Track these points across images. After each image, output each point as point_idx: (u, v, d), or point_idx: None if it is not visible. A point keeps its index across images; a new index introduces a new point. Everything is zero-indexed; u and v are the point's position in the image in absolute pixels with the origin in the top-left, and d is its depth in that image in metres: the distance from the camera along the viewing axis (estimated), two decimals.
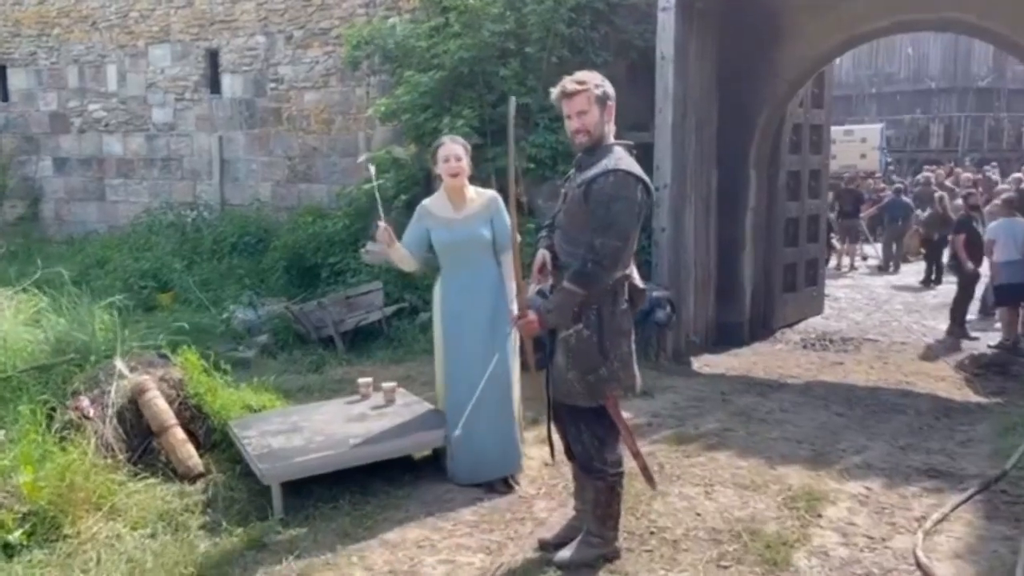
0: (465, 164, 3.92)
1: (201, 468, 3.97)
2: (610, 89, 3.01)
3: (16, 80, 12.23)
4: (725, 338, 8.74)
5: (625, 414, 5.25)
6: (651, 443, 4.52)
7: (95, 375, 4.23)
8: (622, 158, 2.94)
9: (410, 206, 8.46)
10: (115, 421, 3.97)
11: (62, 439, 3.80)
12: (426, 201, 4.02)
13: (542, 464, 4.09)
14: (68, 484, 3.40)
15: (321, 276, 8.15)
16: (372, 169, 3.89)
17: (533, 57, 7.47)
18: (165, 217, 10.27)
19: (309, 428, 4.04)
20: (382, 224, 3.80)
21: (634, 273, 3.08)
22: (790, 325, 9.53)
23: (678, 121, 7.58)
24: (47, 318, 5.58)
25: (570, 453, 3.22)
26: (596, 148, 2.97)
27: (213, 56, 10.72)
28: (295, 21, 10.11)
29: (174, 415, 4.10)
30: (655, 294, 7.03)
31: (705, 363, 7.84)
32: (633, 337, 3.11)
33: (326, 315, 7.00)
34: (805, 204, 9.72)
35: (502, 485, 3.89)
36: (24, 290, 6.41)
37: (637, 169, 2.93)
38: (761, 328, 9.22)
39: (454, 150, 3.89)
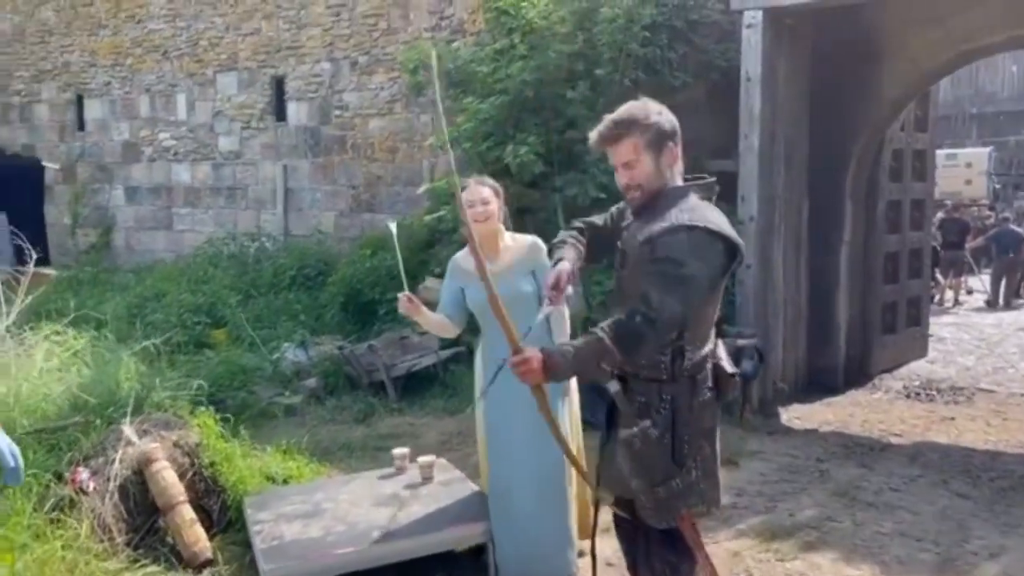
0: (495, 208, 3.33)
1: (208, 554, 3.47)
2: (668, 123, 2.32)
3: (92, 110, 12.31)
4: (817, 384, 7.91)
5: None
6: (736, 535, 3.82)
7: (104, 439, 3.79)
8: (697, 207, 2.27)
9: None
10: (116, 496, 3.52)
11: (55, 519, 3.35)
12: (457, 255, 3.45)
13: (603, 564, 3.43)
14: None
15: (378, 313, 7.68)
16: (393, 229, 3.31)
17: (604, 79, 6.88)
18: (227, 248, 10.02)
19: (331, 512, 3.50)
20: (403, 296, 3.22)
21: (721, 351, 2.41)
22: (890, 370, 8.59)
23: (765, 147, 6.87)
24: (78, 365, 5.24)
25: (634, 571, 2.57)
26: (659, 195, 2.32)
27: (279, 83, 10.49)
28: (360, 47, 9.78)
29: (184, 489, 3.63)
30: (740, 342, 6.28)
31: (795, 415, 7.03)
32: (718, 435, 2.43)
33: (376, 359, 6.50)
34: (907, 237, 8.79)
35: None
36: (64, 329, 6.11)
37: (719, 222, 2.25)
38: (858, 373, 8.33)
39: (480, 193, 3.30)
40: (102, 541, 3.36)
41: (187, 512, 3.54)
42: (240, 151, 10.89)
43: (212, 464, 3.82)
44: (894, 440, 5.98)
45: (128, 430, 3.74)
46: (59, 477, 3.61)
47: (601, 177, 6.75)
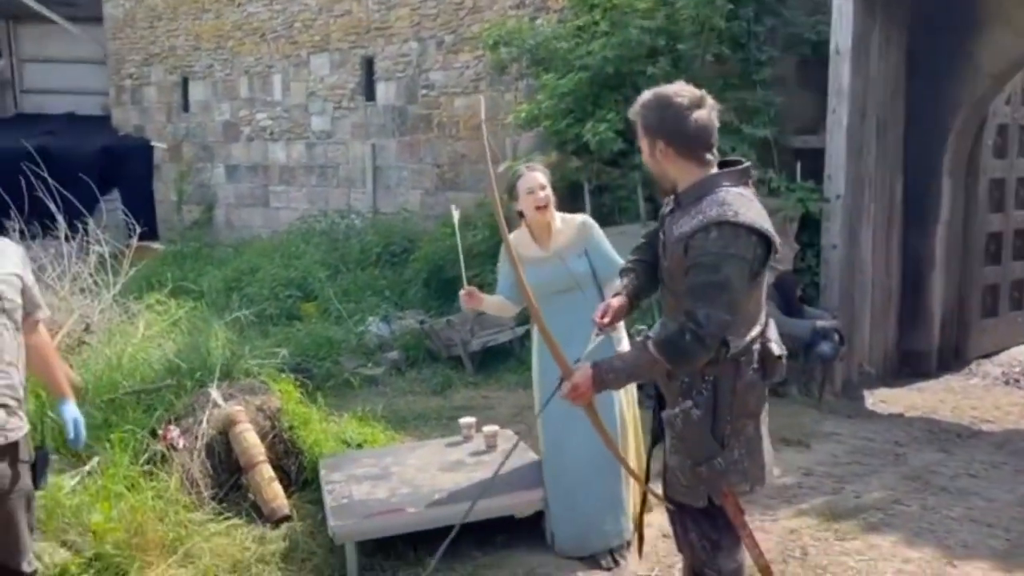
0: (550, 193, 3.38)
1: (286, 511, 3.69)
2: (667, 120, 2.25)
3: (195, 92, 12.89)
4: (909, 369, 7.66)
5: (773, 469, 4.57)
6: (796, 515, 3.80)
7: (193, 401, 4.06)
8: (727, 201, 2.21)
9: None
10: (203, 454, 3.77)
11: (148, 472, 3.63)
12: (510, 236, 3.51)
13: (659, 535, 3.48)
14: (137, 527, 3.18)
15: (459, 290, 7.83)
16: (455, 217, 3.40)
17: (686, 55, 6.80)
18: (319, 225, 10.38)
19: (398, 475, 3.66)
20: (463, 292, 3.34)
21: (771, 332, 2.41)
22: (989, 356, 8.20)
23: (854, 123, 6.66)
24: (175, 333, 5.58)
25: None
26: (687, 185, 2.30)
27: (369, 63, 10.75)
28: (447, 26, 9.91)
29: (265, 450, 3.86)
30: (820, 323, 6.18)
31: (881, 399, 6.84)
32: (765, 416, 2.43)
33: (454, 333, 6.67)
34: (1011, 216, 8.36)
35: (608, 559, 3.33)
36: (166, 299, 6.49)
37: (750, 214, 2.21)
38: (953, 358, 8.00)
39: (537, 179, 3.36)
40: (190, 494, 3.62)
41: (267, 471, 3.77)
42: (331, 131, 11.23)
43: (291, 427, 4.05)
44: (984, 427, 5.76)
45: (215, 393, 4.00)
46: (153, 434, 3.89)
47: None
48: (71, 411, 2.68)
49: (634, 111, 2.32)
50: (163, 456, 3.74)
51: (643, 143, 2.31)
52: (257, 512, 3.70)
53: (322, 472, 3.77)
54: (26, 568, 2.48)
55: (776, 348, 2.36)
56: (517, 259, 2.46)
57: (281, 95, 11.73)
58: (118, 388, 4.26)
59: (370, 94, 10.77)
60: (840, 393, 6.72)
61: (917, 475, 4.39)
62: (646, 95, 2.33)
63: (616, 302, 2.47)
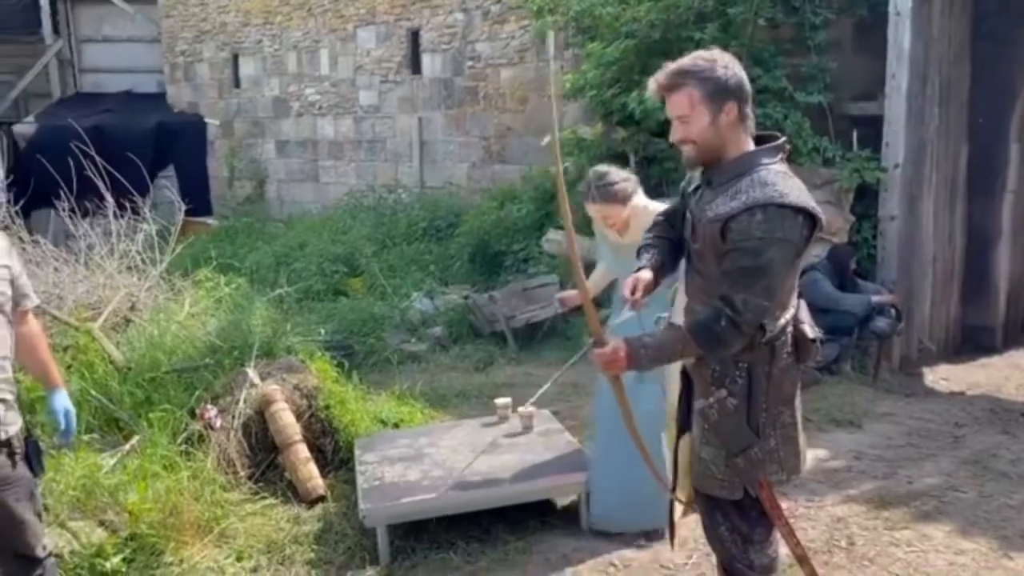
0: (624, 213, 3.23)
1: (321, 491, 3.68)
2: (733, 78, 2.12)
3: (246, 67, 12.97)
4: (972, 345, 7.36)
5: (820, 451, 4.43)
6: (844, 501, 3.64)
7: (232, 380, 4.07)
8: (770, 179, 2.07)
9: None
10: (240, 434, 3.79)
11: (186, 451, 3.66)
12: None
13: (698, 522, 3.37)
14: (173, 507, 3.21)
15: (504, 264, 7.78)
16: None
17: (736, 19, 6.54)
18: (366, 200, 10.39)
19: (432, 456, 3.62)
20: (556, 299, 3.34)
21: (803, 314, 2.27)
22: None
23: (915, 88, 6.34)
24: (222, 310, 5.62)
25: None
26: (721, 160, 2.16)
27: (414, 36, 10.64)
28: None
29: (300, 430, 3.85)
30: (876, 298, 5.95)
31: (942, 376, 6.59)
32: (798, 401, 2.30)
33: (497, 309, 6.60)
34: None
35: (641, 540, 3.24)
36: (214, 275, 6.55)
37: (795, 193, 2.07)
38: (1020, 333, 7.67)
39: (602, 212, 3.24)
40: (226, 474, 3.64)
41: (302, 451, 3.77)
42: (379, 105, 11.19)
43: (327, 407, 4.04)
44: None
45: (252, 373, 4.00)
46: (192, 414, 3.92)
47: None
48: (62, 401, 2.64)
49: (702, 72, 2.11)
50: (200, 436, 3.76)
51: (699, 110, 2.10)
52: (293, 492, 3.71)
53: (356, 452, 3.75)
54: (41, 553, 2.51)
55: (809, 330, 2.23)
56: (570, 224, 2.32)
57: (329, 69, 11.72)
58: (160, 366, 4.30)
59: (416, 67, 10.68)
60: (898, 370, 6.48)
61: (976, 459, 4.19)
62: (699, 57, 2.16)
63: (645, 275, 2.35)
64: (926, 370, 6.63)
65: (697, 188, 2.28)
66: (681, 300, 2.37)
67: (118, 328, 4.93)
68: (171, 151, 13.63)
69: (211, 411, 3.81)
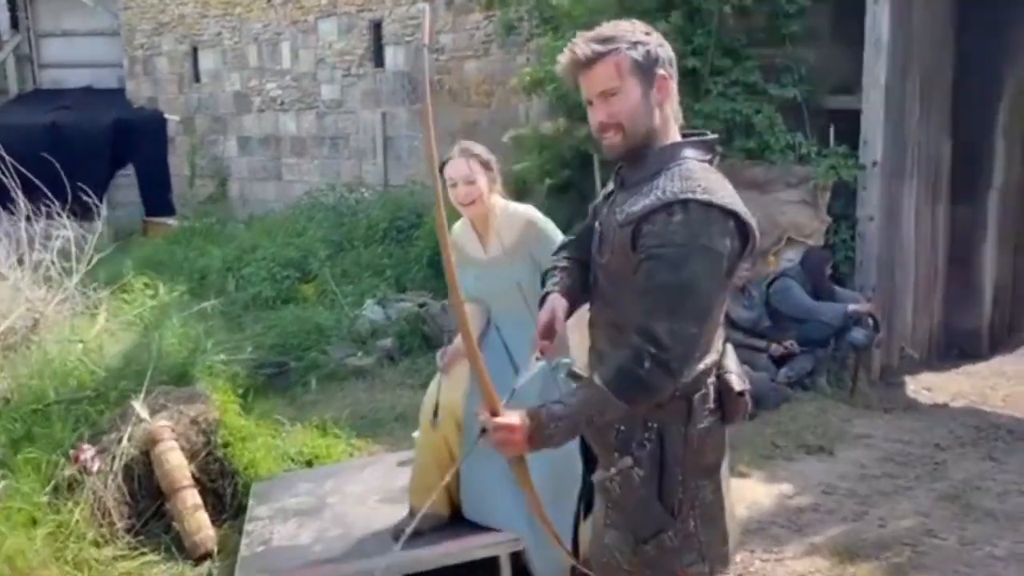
0: (483, 185, 2.80)
1: (210, 546, 3.23)
2: (660, 48, 1.73)
3: (205, 61, 12.46)
4: (956, 350, 6.97)
5: (785, 486, 3.97)
6: (807, 551, 3.20)
7: (118, 415, 3.61)
8: (695, 173, 1.67)
9: (559, 191, 7.43)
10: (120, 477, 3.32)
11: (52, 501, 3.19)
12: (455, 227, 2.96)
13: None
14: (23, 572, 2.75)
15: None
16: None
17: (702, 7, 6.10)
18: (326, 199, 9.91)
19: (333, 508, 3.16)
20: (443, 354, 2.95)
21: (730, 361, 1.83)
22: None
23: (894, 80, 5.92)
24: (141, 325, 5.16)
25: None
26: (646, 151, 1.74)
27: (377, 27, 10.16)
28: None
29: (196, 471, 3.40)
30: (852, 307, 5.52)
31: (924, 386, 6.19)
32: (726, 470, 1.85)
33: (447, 320, 6.14)
34: None
35: None
36: (153, 283, 6.09)
37: (724, 193, 1.67)
38: (1006, 337, 7.28)
39: (461, 171, 2.77)
40: (101, 526, 3.18)
41: (191, 498, 3.31)
42: (341, 99, 10.70)
43: (226, 444, 3.58)
44: None
45: (139, 406, 3.53)
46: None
47: (695, 121, 6.01)
48: None
49: (627, 39, 1.69)
50: (74, 481, 3.29)
51: (629, 83, 1.68)
52: (180, 546, 3.25)
53: (250, 503, 3.30)
54: None
55: (737, 381, 1.78)
56: (451, 256, 1.82)
57: (290, 63, 11.23)
58: (45, 397, 3.83)
59: (379, 60, 10.20)
60: (878, 381, 6.08)
61: (957, 493, 3.76)
62: (618, 25, 1.74)
63: (560, 304, 1.86)
64: (908, 379, 6.24)
65: (610, 195, 1.84)
66: (578, 339, 1.93)
67: (14, 348, 4.45)
68: (130, 149, 13.14)
69: (87, 451, 3.34)
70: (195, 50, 12.55)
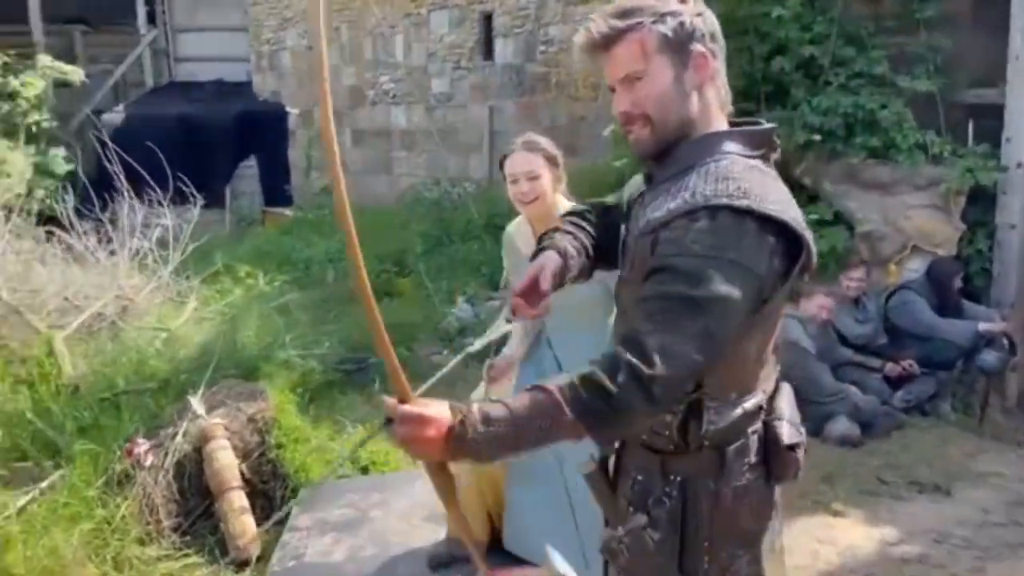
0: (546, 182, 2.52)
1: (253, 551, 3.11)
2: (698, 18, 1.40)
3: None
4: None
5: (888, 531, 3.47)
6: None
7: (179, 409, 3.55)
8: (731, 173, 1.34)
9: None
10: (171, 474, 3.25)
11: (102, 494, 3.15)
12: (510, 226, 2.70)
13: None
14: (58, 571, 2.70)
15: None
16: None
17: None
18: (430, 194, 9.85)
19: (375, 523, 2.98)
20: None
21: (784, 404, 1.48)
22: None
23: None
24: (226, 315, 5.18)
25: None
26: (678, 145, 1.41)
27: (487, 19, 10.02)
28: None
29: (245, 473, 3.30)
30: (984, 326, 4.91)
31: None
32: (772, 536, 1.50)
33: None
34: None
35: None
36: (254, 273, 6.16)
37: (767, 196, 1.32)
38: None
39: (523, 165, 2.51)
40: (147, 523, 3.12)
41: (237, 500, 3.21)
42: (451, 93, 10.64)
43: (280, 445, 3.46)
44: None
45: (195, 401, 3.46)
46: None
47: (810, 116, 5.51)
48: None
49: (654, 11, 1.38)
50: (127, 474, 3.25)
51: (657, 63, 1.38)
52: (224, 549, 3.15)
53: (294, 510, 3.16)
54: None
55: (788, 431, 1.44)
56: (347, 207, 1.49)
57: (403, 56, 11.25)
58: (115, 386, 3.84)
59: (488, 52, 10.06)
60: (1013, 409, 5.40)
61: None
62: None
63: (550, 263, 1.52)
64: None
65: (640, 198, 1.52)
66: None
67: (98, 335, 4.52)
68: (253, 140, 13.56)
69: (141, 445, 3.29)
70: None
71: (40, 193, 10.88)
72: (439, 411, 1.26)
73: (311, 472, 3.42)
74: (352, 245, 1.31)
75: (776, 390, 1.48)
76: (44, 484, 3.21)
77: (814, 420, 4.42)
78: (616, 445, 1.50)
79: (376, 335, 1.35)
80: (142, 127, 13.07)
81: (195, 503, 3.30)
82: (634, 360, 1.22)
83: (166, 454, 3.29)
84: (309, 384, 4.50)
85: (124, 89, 15.16)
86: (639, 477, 1.44)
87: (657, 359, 1.22)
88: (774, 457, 1.42)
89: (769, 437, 1.43)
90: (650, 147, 1.42)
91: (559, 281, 1.54)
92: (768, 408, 1.44)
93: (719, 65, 1.43)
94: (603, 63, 1.43)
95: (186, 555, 3.10)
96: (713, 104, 1.42)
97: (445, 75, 10.68)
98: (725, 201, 1.29)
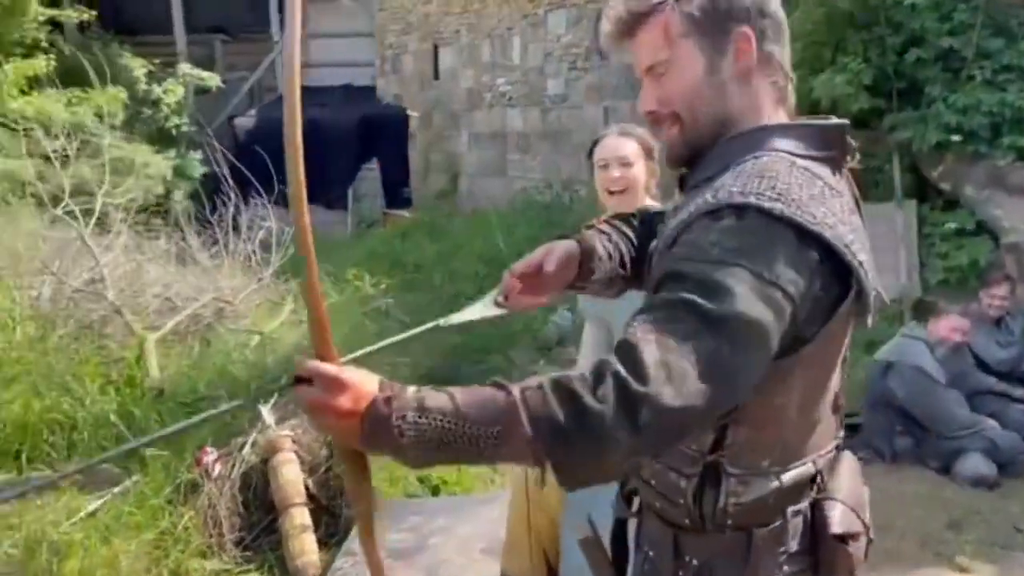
0: (638, 173, 2.26)
1: (311, 572, 2.98)
2: None
3: (445, 58, 12.76)
4: None
5: None
6: None
7: (252, 418, 3.50)
8: (773, 171, 1.06)
9: None
10: (237, 486, 3.19)
11: (167, 504, 3.12)
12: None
13: None
14: None
15: None
16: None
17: None
18: (542, 197, 9.68)
19: (431, 553, 2.80)
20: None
21: (839, 482, 1.16)
22: None
23: None
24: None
25: None
26: (714, 143, 1.14)
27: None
28: None
29: (307, 489, 3.18)
30: None
31: None
32: None
33: None
34: None
35: None
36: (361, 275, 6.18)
37: (810, 202, 1.04)
38: None
39: (617, 149, 2.26)
40: (210, 536, 3.06)
41: (299, 517, 3.10)
42: (566, 94, 10.43)
43: None
44: None
45: (266, 410, 3.39)
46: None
47: (947, 115, 4.95)
48: None
49: None
50: (195, 484, 3.22)
51: (684, 50, 1.13)
52: (284, 568, 3.05)
53: (352, 532, 3.02)
54: None
55: (840, 517, 1.13)
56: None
57: (519, 58, 11.14)
58: (196, 390, 3.84)
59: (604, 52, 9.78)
60: None
61: None
62: None
63: (558, 250, 1.29)
64: None
65: (675, 209, 1.24)
66: None
67: (195, 337, 4.57)
68: (375, 144, 13.81)
69: (210, 455, 3.25)
70: (436, 48, 12.89)
71: (178, 195, 11.47)
72: (362, 379, 0.99)
73: (377, 490, 3.29)
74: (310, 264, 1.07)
75: (835, 460, 1.17)
76: (117, 489, 3.23)
77: (943, 456, 3.95)
78: (635, 507, 1.25)
79: (311, 295, 1.09)
80: (271, 131, 13.59)
81: (259, 517, 3.22)
82: (623, 371, 0.94)
83: (233, 465, 3.24)
84: None
85: (259, 94, 15.80)
86: (651, 553, 1.18)
87: (652, 375, 0.93)
88: (822, 546, 1.12)
89: (817, 521, 1.12)
90: (681, 152, 1.17)
91: (573, 275, 1.29)
92: (818, 483, 1.14)
93: (774, 47, 1.14)
94: (630, 50, 1.18)
95: (246, 571, 3.02)
96: (764, 96, 1.14)
97: (560, 76, 10.49)
98: (753, 200, 1.01)
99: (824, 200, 1.05)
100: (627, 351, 0.96)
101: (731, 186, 1.04)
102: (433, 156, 13.05)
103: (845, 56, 5.30)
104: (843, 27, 5.39)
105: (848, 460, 1.19)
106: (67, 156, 6.50)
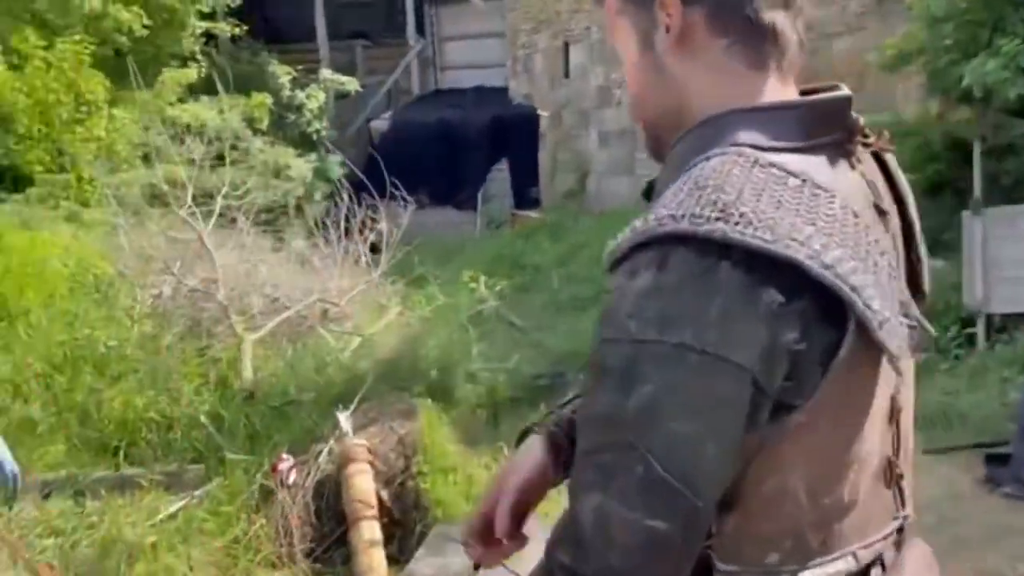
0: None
1: None
2: None
3: (575, 56, 12.56)
4: None
5: None
6: None
7: (332, 425, 3.43)
8: (720, 176, 0.75)
9: (928, 191, 5.89)
10: (310, 496, 3.11)
11: (242, 509, 3.09)
12: None
13: None
14: None
15: None
16: None
17: None
18: None
19: None
20: None
21: None
22: None
23: None
24: (415, 324, 5.10)
25: None
26: (676, 137, 0.85)
27: None
28: None
29: (381, 501, 3.07)
30: None
31: None
32: None
33: None
34: None
35: None
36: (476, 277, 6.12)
37: (764, 218, 0.72)
38: None
39: None
40: (281, 545, 3.00)
41: (368, 531, 2.98)
42: None
43: (420, 472, 3.19)
44: None
45: (343, 417, 3.30)
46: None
47: None
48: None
49: None
50: (271, 491, 3.17)
51: (620, 27, 0.89)
52: None
53: (419, 552, 2.86)
54: None
55: None
56: None
57: None
58: (287, 393, 3.83)
59: None
60: None
61: None
62: None
63: (522, 481, 0.99)
64: None
65: None
66: None
67: (298, 338, 4.60)
68: (506, 144, 13.80)
69: (285, 462, 3.19)
70: (566, 45, 12.70)
71: (317, 196, 11.86)
72: None
73: (452, 507, 3.12)
74: None
75: (897, 548, 0.88)
76: (199, 492, 3.23)
77: None
78: None
79: None
80: (404, 133, 13.85)
81: (331, 527, 3.14)
82: (565, 560, 0.77)
83: (308, 473, 3.17)
84: (494, 400, 4.23)
85: (396, 97, 16.17)
86: None
87: (595, 542, 0.74)
88: None
89: None
90: (652, 151, 0.91)
91: (549, 481, 0.99)
92: None
93: (716, 9, 0.83)
94: None
95: None
96: (728, 69, 0.84)
97: None
98: (686, 226, 0.73)
99: (799, 207, 0.75)
100: (567, 524, 0.78)
101: (664, 206, 0.76)
102: (561, 155, 12.87)
103: (1003, 37, 4.68)
104: (1001, 4, 4.76)
105: (918, 548, 0.89)
106: (221, 158, 6.78)
